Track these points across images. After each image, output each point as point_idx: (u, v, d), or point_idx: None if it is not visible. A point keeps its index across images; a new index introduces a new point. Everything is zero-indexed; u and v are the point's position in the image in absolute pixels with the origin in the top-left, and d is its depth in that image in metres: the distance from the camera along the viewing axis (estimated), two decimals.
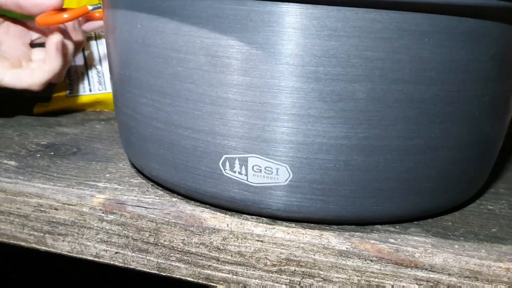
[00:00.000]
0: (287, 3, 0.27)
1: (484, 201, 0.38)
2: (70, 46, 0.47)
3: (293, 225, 0.31)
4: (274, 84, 0.28)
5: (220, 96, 0.29)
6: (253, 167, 0.30)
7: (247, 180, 0.30)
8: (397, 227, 0.32)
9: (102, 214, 0.34)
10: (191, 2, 0.28)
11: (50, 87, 0.52)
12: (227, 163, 0.30)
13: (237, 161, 0.30)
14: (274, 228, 0.31)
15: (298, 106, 0.28)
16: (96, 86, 0.53)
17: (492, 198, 0.38)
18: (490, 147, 0.35)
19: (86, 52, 0.54)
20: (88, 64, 0.53)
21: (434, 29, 0.27)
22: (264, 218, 0.32)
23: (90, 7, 0.45)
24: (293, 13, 0.27)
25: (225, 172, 0.31)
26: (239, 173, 0.30)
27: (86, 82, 0.53)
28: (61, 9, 0.46)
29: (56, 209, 0.34)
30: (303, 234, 0.31)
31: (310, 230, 0.31)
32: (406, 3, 0.26)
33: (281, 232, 0.31)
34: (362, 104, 0.28)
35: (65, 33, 0.47)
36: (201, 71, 0.29)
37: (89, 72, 0.53)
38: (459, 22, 0.28)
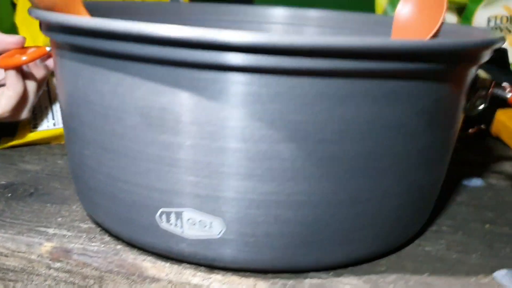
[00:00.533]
0: (212, 71, 0.28)
1: (424, 240, 0.39)
2: (32, 83, 0.48)
3: (230, 274, 0.32)
4: (204, 144, 0.29)
5: (154, 154, 0.31)
6: (188, 220, 0.31)
7: (182, 232, 0.32)
8: (331, 273, 0.33)
9: (50, 262, 0.35)
10: (125, 65, 0.30)
11: (15, 122, 0.53)
12: (164, 216, 0.32)
13: (173, 215, 0.31)
14: (211, 277, 0.32)
15: (227, 165, 0.30)
16: (60, 120, 0.54)
17: (432, 237, 0.39)
18: (425, 193, 0.36)
19: (50, 87, 0.55)
20: (52, 98, 0.55)
21: (354, 92, 0.28)
22: (202, 267, 0.33)
23: (48, 48, 0.46)
24: (218, 80, 0.28)
25: (162, 225, 0.32)
26: (175, 225, 0.32)
27: (50, 116, 0.54)
28: (22, 48, 0.47)
29: (6, 256, 0.36)
30: (238, 283, 0.32)
31: (245, 279, 0.32)
32: (324, 70, 0.27)
33: (217, 282, 0.32)
34: (287, 163, 0.29)
35: (26, 72, 0.48)
36: (136, 130, 0.31)
37: (53, 106, 0.54)
38: (380, 84, 0.29)
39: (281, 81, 0.28)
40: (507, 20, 0.72)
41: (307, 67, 0.27)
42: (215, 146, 0.29)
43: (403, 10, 0.49)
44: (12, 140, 0.53)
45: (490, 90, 0.37)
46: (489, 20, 0.73)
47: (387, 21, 0.50)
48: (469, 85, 0.35)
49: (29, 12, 0.34)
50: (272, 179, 0.30)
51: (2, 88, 0.49)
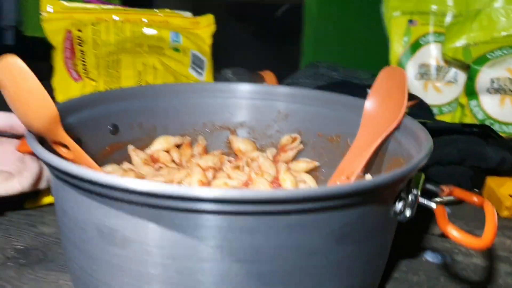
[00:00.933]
0: (145, 207, 0.35)
1: None
2: None
3: None
4: (143, 259, 0.36)
5: (107, 259, 0.38)
6: None
7: None
8: None
9: None
10: (85, 192, 0.37)
11: None
12: None
13: None
14: None
15: (158, 275, 0.36)
16: None
17: None
18: None
19: None
20: None
21: (259, 225, 0.34)
22: None
23: None
24: (146, 212, 0.35)
25: None
26: None
27: None
28: None
29: None
30: None
31: None
32: (229, 211, 0.33)
33: None
34: (209, 277, 0.36)
35: None
36: (94, 240, 0.38)
37: None
38: (283, 219, 0.34)
39: (196, 216, 0.34)
40: (511, 82, 0.74)
41: (215, 209, 0.33)
42: (150, 261, 0.36)
43: (369, 102, 0.54)
44: (34, 202, 0.62)
45: (417, 200, 0.41)
46: (492, 81, 0.75)
47: (353, 103, 0.55)
48: (393, 199, 0.40)
49: (25, 135, 0.42)
50: None
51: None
